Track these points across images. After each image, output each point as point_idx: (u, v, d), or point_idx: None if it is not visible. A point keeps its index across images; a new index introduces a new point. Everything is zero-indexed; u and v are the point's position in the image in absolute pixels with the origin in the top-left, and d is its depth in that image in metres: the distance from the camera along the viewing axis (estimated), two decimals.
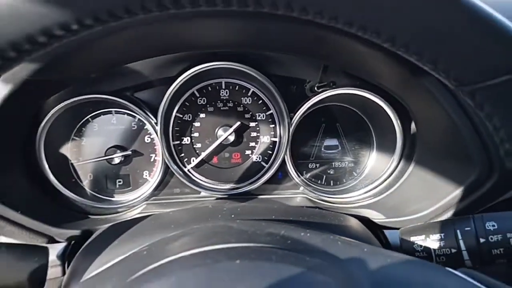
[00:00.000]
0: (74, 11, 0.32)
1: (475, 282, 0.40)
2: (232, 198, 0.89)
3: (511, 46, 0.35)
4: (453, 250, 0.57)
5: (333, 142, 0.94)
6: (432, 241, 0.59)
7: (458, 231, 0.58)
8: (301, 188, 0.91)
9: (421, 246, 0.60)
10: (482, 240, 0.55)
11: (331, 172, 0.94)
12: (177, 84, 0.82)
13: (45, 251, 0.61)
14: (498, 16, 0.36)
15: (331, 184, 0.94)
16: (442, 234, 0.59)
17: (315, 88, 0.84)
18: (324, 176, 0.94)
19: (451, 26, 0.35)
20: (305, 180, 0.93)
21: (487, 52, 0.36)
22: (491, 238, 0.55)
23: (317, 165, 0.94)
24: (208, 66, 0.81)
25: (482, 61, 0.36)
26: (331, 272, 0.37)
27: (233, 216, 0.58)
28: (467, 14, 0.35)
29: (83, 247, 0.63)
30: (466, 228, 0.57)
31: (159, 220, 0.61)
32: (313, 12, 0.35)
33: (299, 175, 0.92)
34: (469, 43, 0.35)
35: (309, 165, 0.94)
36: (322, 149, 0.94)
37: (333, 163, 0.94)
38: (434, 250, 0.59)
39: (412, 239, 0.62)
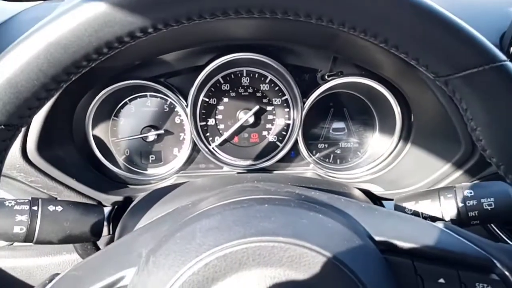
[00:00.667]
0: (153, 19, 0.44)
1: (447, 230, 0.52)
2: (250, 173, 1.01)
3: (470, 47, 0.46)
4: (437, 213, 0.70)
5: (341, 125, 1.06)
6: (421, 206, 0.71)
7: (442, 197, 0.70)
8: (311, 165, 1.03)
9: (411, 210, 0.72)
10: (460, 204, 0.67)
11: (338, 152, 1.06)
12: (205, 73, 0.94)
13: (101, 210, 0.75)
14: (463, 23, 0.47)
15: (338, 162, 1.06)
16: (429, 200, 0.71)
17: (326, 77, 0.96)
18: (332, 155, 1.06)
19: (428, 33, 0.46)
20: (315, 159, 1.05)
21: (453, 52, 0.47)
22: (468, 203, 0.67)
23: (326, 145, 1.06)
24: (233, 56, 0.93)
25: (450, 58, 0.47)
26: (335, 216, 0.49)
27: (255, 182, 0.70)
28: (441, 23, 0.46)
29: (131, 206, 0.76)
30: (449, 195, 0.69)
31: (195, 185, 0.74)
32: (326, 20, 0.47)
33: (310, 154, 1.04)
34: (441, 45, 0.47)
35: (319, 145, 1.06)
36: (331, 131, 1.06)
37: (340, 144, 1.06)
38: (422, 213, 0.71)
39: (404, 204, 0.74)
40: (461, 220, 0.68)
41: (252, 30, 0.86)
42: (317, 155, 1.06)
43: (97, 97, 0.92)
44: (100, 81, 0.89)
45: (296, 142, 1.01)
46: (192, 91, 0.95)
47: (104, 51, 0.44)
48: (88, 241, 0.72)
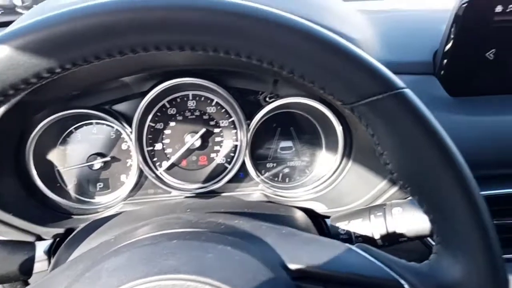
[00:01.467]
0: (59, 60, 0.44)
1: (361, 251, 0.53)
2: (199, 196, 1.01)
3: (370, 76, 0.48)
4: (368, 232, 0.71)
5: (288, 143, 1.07)
6: (352, 225, 0.73)
7: (372, 216, 0.71)
8: (260, 185, 1.04)
9: (344, 230, 0.74)
10: (389, 222, 0.69)
11: (287, 170, 1.07)
12: (148, 98, 0.94)
13: (32, 246, 0.74)
14: (363, 54, 0.49)
15: (286, 181, 1.07)
16: (360, 219, 0.72)
17: (267, 99, 0.97)
18: (281, 174, 1.07)
19: (329, 64, 0.48)
20: (264, 178, 1.05)
21: (355, 81, 0.48)
22: (396, 221, 0.68)
23: (274, 164, 1.07)
24: (174, 82, 0.94)
25: (352, 87, 0.49)
26: (247, 247, 0.50)
27: (188, 210, 0.70)
28: (341, 54, 0.48)
29: (65, 241, 0.75)
30: (378, 214, 0.71)
31: (128, 216, 0.74)
32: (234, 53, 0.48)
33: (258, 174, 1.04)
34: (343, 75, 0.48)
35: (267, 165, 1.07)
36: (278, 150, 1.07)
37: (288, 163, 1.07)
38: (354, 233, 0.72)
39: (338, 224, 0.75)
40: (390, 238, 0.69)
41: (190, 57, 0.87)
42: (266, 174, 1.07)
43: (37, 128, 0.91)
44: (38, 112, 0.88)
45: (243, 163, 1.02)
46: (136, 118, 0.95)
47: (10, 93, 0.44)
48: (17, 280, 0.71)
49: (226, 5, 0.46)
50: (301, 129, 1.06)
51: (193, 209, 0.71)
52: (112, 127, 1.01)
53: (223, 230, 0.55)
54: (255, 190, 1.03)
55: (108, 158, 1.01)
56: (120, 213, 0.79)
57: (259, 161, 1.07)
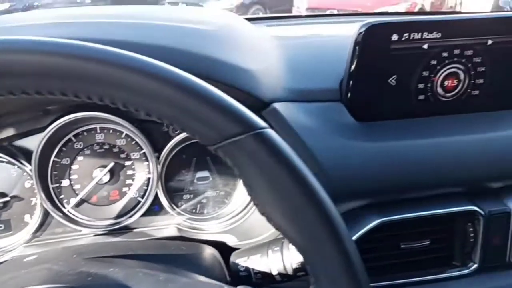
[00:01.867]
0: None
1: None
2: (111, 233, 0.96)
3: (228, 117, 0.46)
4: (266, 268, 0.69)
5: (205, 173, 1.04)
6: (251, 262, 0.70)
7: (269, 251, 0.69)
8: (176, 218, 1.00)
9: (243, 266, 0.71)
10: (286, 257, 0.67)
11: (204, 201, 1.04)
12: (47, 133, 0.89)
13: None
14: (220, 94, 0.47)
15: (204, 212, 1.04)
16: (259, 255, 0.70)
17: (174, 130, 0.95)
18: (198, 206, 1.04)
19: (182, 107, 0.46)
20: (180, 211, 1.02)
21: (213, 122, 0.47)
22: (292, 255, 0.67)
23: (191, 195, 1.04)
24: (75, 116, 0.90)
25: (211, 129, 0.47)
26: None
27: (74, 256, 0.66)
28: (196, 96, 0.46)
29: None
30: (276, 248, 0.69)
31: (9, 266, 0.68)
32: (85, 96, 0.45)
33: (174, 206, 1.01)
34: (200, 117, 0.46)
35: (184, 197, 1.03)
36: (195, 180, 1.04)
37: (206, 193, 1.04)
38: (253, 269, 0.70)
39: (238, 261, 0.72)
40: (288, 273, 0.67)
41: None
42: (183, 206, 1.03)
43: None
44: None
45: (157, 196, 0.98)
46: (34, 154, 0.90)
47: None
48: None
49: (74, 48, 0.43)
50: (218, 159, 1.04)
51: (79, 254, 0.67)
52: (13, 163, 0.95)
53: (90, 282, 0.51)
54: (170, 224, 0.99)
55: (7, 198, 0.94)
56: (4, 261, 0.73)
57: (175, 193, 1.03)
